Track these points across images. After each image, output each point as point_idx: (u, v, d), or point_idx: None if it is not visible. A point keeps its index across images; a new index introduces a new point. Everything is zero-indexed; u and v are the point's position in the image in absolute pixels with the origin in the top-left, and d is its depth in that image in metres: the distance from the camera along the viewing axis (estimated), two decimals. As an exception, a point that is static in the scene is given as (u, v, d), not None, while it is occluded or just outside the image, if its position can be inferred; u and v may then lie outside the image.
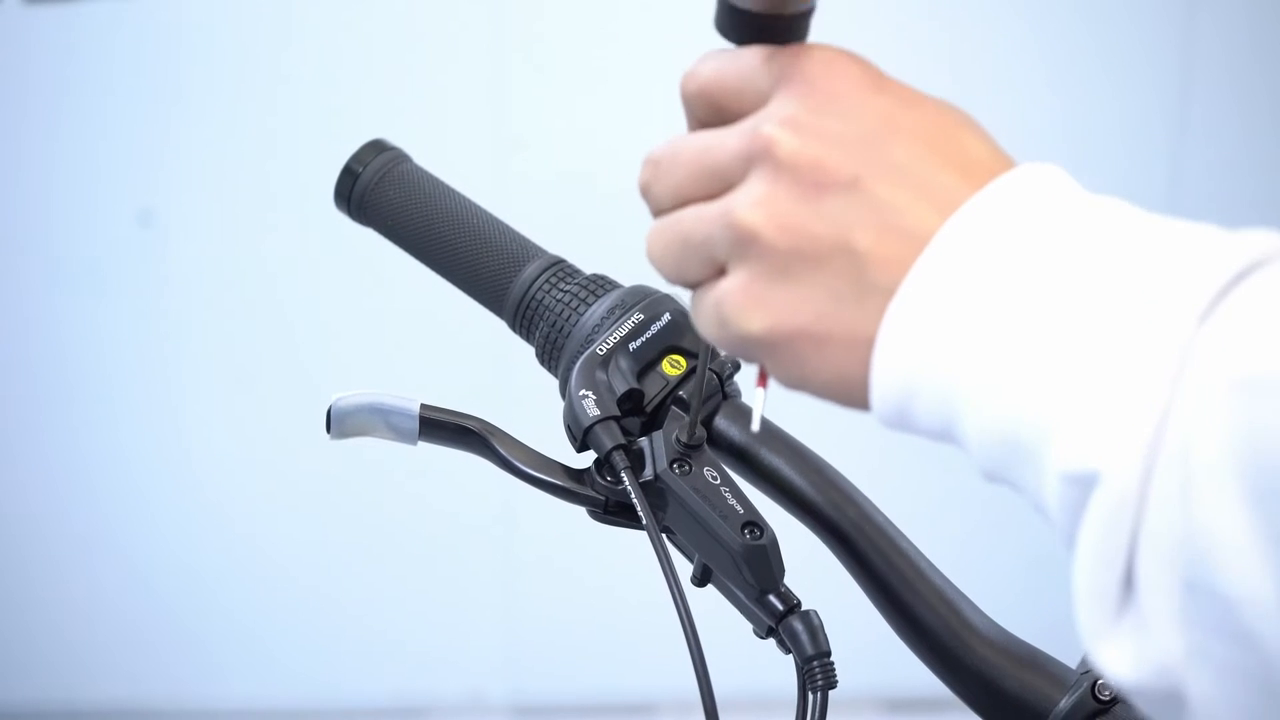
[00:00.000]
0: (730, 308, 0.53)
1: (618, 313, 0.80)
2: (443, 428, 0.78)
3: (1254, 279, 0.45)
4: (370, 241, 0.93)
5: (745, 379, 0.78)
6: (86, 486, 2.64)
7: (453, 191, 0.89)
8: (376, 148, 0.90)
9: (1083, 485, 0.46)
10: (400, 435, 0.78)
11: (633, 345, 0.79)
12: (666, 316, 0.80)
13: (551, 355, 0.82)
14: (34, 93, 2.47)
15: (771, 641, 0.75)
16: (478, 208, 0.88)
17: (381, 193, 0.88)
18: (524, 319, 0.84)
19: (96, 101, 2.47)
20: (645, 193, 0.57)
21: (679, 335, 0.79)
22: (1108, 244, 0.47)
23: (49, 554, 2.65)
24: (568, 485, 0.77)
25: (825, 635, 0.73)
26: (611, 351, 0.78)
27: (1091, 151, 2.59)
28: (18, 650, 2.70)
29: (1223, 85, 2.57)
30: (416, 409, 0.78)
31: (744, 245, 0.52)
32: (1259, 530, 0.43)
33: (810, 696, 0.72)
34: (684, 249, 0.55)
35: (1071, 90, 2.57)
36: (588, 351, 0.78)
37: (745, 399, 0.81)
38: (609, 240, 2.45)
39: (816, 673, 0.72)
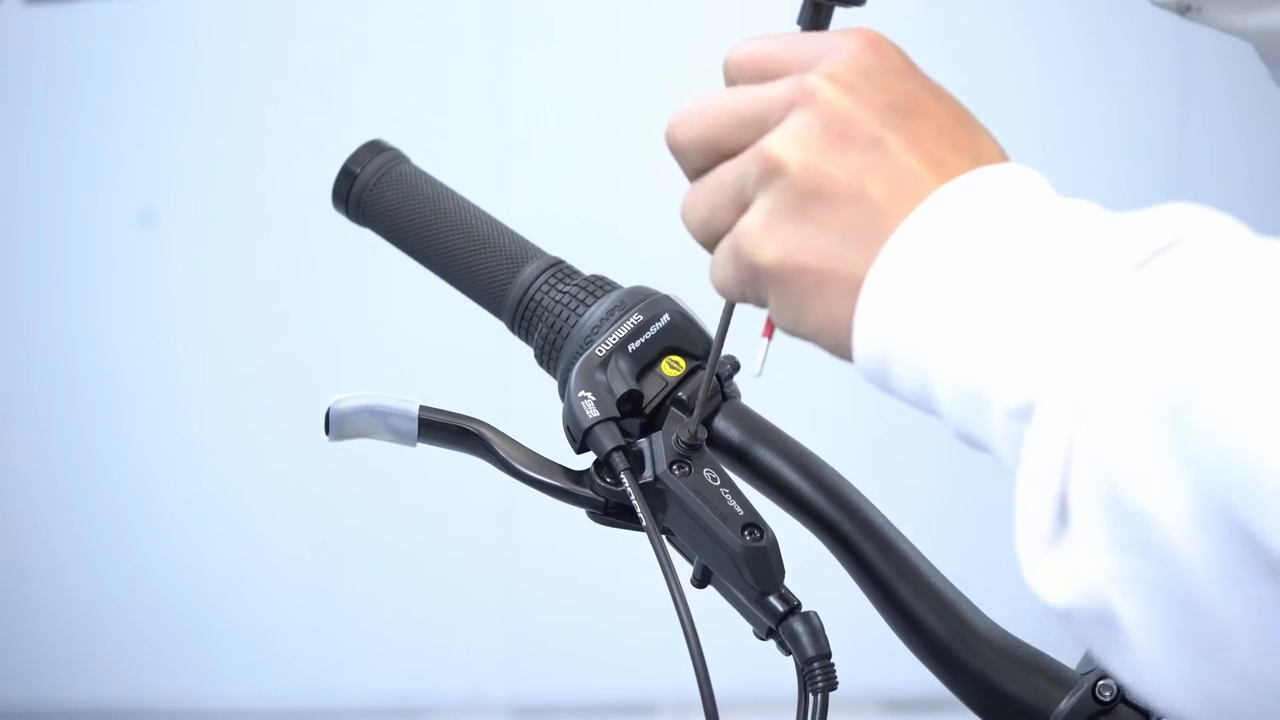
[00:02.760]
0: (746, 238, 0.58)
1: (617, 314, 0.80)
2: (442, 429, 0.78)
3: (1177, 247, 0.50)
4: (369, 243, 0.93)
5: (745, 381, 0.78)
6: (86, 487, 2.64)
7: (451, 192, 0.88)
8: (374, 148, 0.89)
9: (1022, 417, 0.50)
10: (399, 437, 0.78)
11: (632, 346, 0.79)
12: (666, 317, 0.80)
13: (550, 356, 0.82)
14: (34, 93, 2.47)
15: (771, 642, 0.75)
16: (476, 208, 0.88)
17: (380, 193, 0.88)
18: (523, 320, 0.83)
19: (96, 101, 2.47)
20: (672, 141, 0.61)
21: (678, 336, 0.79)
22: (1061, 223, 0.52)
23: (49, 554, 2.65)
24: (567, 486, 0.77)
25: (826, 637, 0.73)
26: (611, 352, 0.78)
27: (1092, 151, 2.59)
28: (18, 650, 2.70)
29: (1223, 85, 2.57)
30: (415, 410, 0.78)
31: (770, 176, 0.57)
32: (1170, 452, 0.46)
33: (811, 698, 0.72)
34: (715, 195, 0.59)
35: (1072, 90, 2.57)
36: (587, 352, 0.78)
37: (745, 400, 0.81)
38: (608, 241, 2.45)
39: (817, 674, 0.72)
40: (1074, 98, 2.57)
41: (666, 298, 0.81)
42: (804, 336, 0.58)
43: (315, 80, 2.48)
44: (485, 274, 0.85)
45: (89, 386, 2.59)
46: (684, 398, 0.78)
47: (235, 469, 2.62)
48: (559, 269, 0.84)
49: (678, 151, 0.61)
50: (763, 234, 0.57)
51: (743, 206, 0.58)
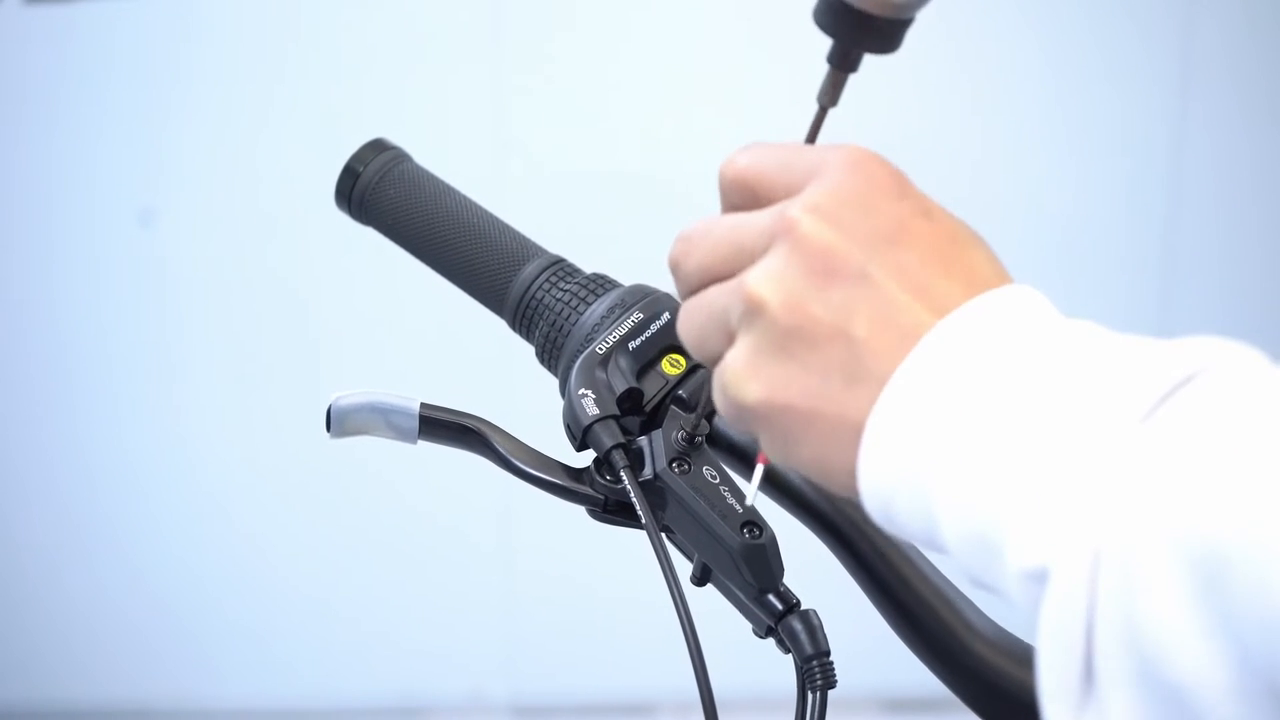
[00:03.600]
0: (731, 375, 0.57)
1: (617, 312, 0.80)
2: (443, 426, 0.78)
3: (1191, 386, 0.47)
4: (371, 241, 0.93)
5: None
6: (87, 486, 2.64)
7: (453, 190, 0.89)
8: (377, 147, 0.90)
9: (1038, 581, 0.47)
10: (400, 434, 0.78)
11: (632, 344, 0.78)
12: (666, 315, 0.80)
13: (551, 354, 0.82)
14: (34, 93, 2.47)
15: (771, 641, 0.75)
16: (478, 207, 0.88)
17: (382, 192, 0.88)
18: (524, 318, 0.84)
19: (96, 101, 2.48)
20: (675, 267, 0.61)
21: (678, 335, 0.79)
22: (1068, 359, 0.50)
23: (49, 554, 2.65)
24: (567, 484, 0.77)
25: (824, 634, 0.73)
26: (611, 350, 0.78)
27: (1092, 151, 2.59)
28: (18, 650, 2.70)
29: (1223, 85, 2.57)
30: (416, 408, 0.78)
31: (752, 315, 0.56)
32: (1205, 617, 0.43)
33: (809, 696, 0.72)
34: (707, 320, 0.58)
35: (1072, 90, 2.57)
36: (587, 350, 0.78)
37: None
38: (609, 239, 2.45)
39: (815, 672, 0.72)
40: (1074, 98, 2.57)
41: (667, 296, 0.81)
42: (797, 470, 0.57)
43: (315, 80, 2.48)
44: (487, 272, 0.85)
45: (89, 386, 2.59)
46: (684, 396, 0.78)
47: (235, 468, 2.63)
48: (560, 267, 0.84)
49: (683, 281, 0.60)
50: (746, 372, 0.56)
51: (730, 336, 0.57)
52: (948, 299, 0.53)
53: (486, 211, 0.88)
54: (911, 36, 0.65)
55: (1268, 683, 0.42)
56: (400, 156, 0.90)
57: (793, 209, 0.56)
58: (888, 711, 2.70)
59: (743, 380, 0.56)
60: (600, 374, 0.77)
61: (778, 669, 0.91)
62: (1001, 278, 0.54)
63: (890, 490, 0.52)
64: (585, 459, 0.77)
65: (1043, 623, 0.47)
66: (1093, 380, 0.49)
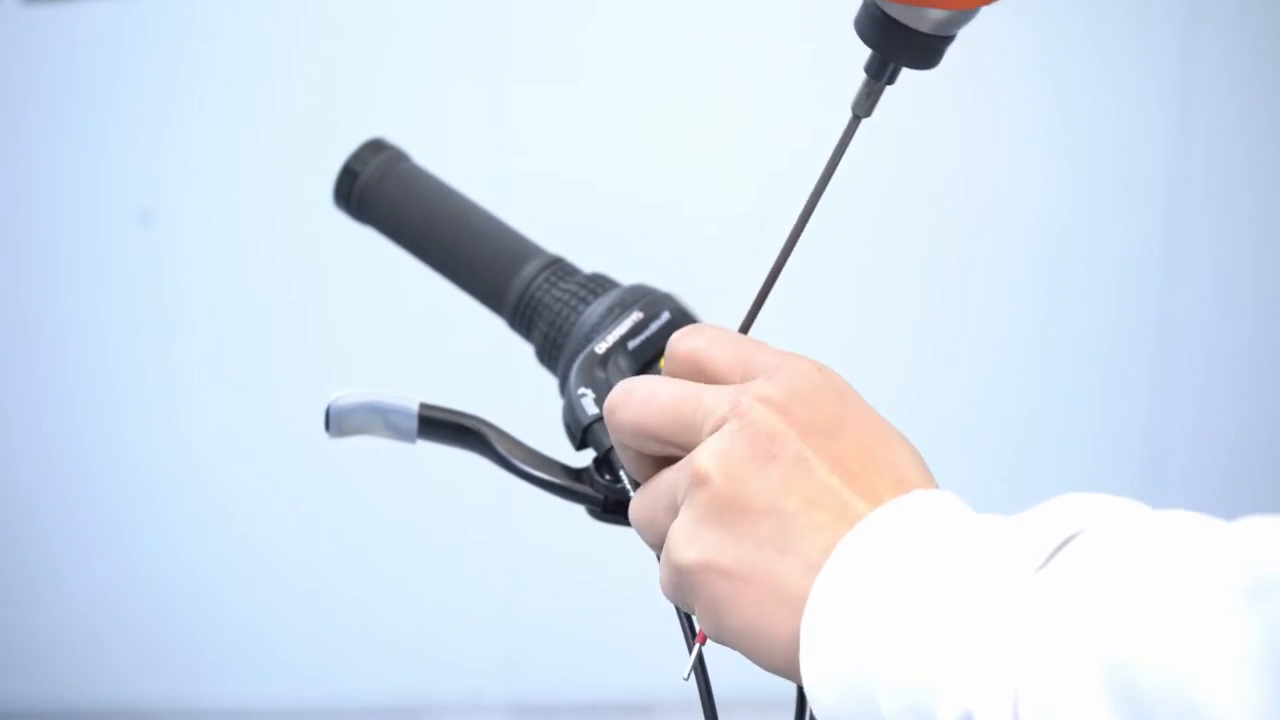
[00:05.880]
0: (672, 540, 0.63)
1: (617, 311, 0.80)
2: (442, 426, 0.78)
3: (1075, 541, 0.53)
4: (370, 241, 0.93)
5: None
6: (87, 487, 2.64)
7: (452, 190, 0.89)
8: (376, 147, 0.90)
9: None
10: (399, 434, 0.78)
11: (632, 344, 0.79)
12: (665, 315, 0.80)
13: (551, 354, 0.82)
14: (34, 93, 2.47)
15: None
16: (477, 206, 0.88)
17: (381, 192, 0.88)
18: (523, 317, 0.84)
19: (96, 101, 2.48)
20: (610, 413, 0.67)
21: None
22: (975, 542, 0.56)
23: (49, 554, 2.66)
24: (567, 484, 0.77)
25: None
26: (611, 350, 0.78)
27: (1092, 151, 2.59)
28: (18, 650, 2.70)
29: (1223, 85, 2.57)
30: (415, 407, 0.78)
31: (696, 487, 0.62)
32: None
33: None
34: (657, 497, 0.65)
35: (1072, 90, 2.57)
36: (587, 350, 0.78)
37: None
38: (608, 239, 2.45)
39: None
40: (1074, 97, 2.57)
41: (667, 295, 0.81)
42: (726, 643, 0.61)
43: (316, 80, 2.48)
44: (486, 271, 0.85)
45: (89, 386, 2.59)
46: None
47: (235, 468, 2.63)
48: (559, 267, 0.84)
49: (614, 429, 0.67)
50: (686, 538, 0.62)
51: (675, 511, 0.64)
52: (876, 491, 0.59)
53: (485, 211, 0.88)
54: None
55: None
56: (399, 156, 0.90)
57: (745, 396, 0.62)
58: (888, 712, 2.70)
59: (682, 544, 0.62)
60: (600, 373, 0.77)
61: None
62: (925, 481, 0.61)
63: (834, 678, 0.56)
64: (585, 459, 0.77)
65: None
66: (994, 552, 0.54)
